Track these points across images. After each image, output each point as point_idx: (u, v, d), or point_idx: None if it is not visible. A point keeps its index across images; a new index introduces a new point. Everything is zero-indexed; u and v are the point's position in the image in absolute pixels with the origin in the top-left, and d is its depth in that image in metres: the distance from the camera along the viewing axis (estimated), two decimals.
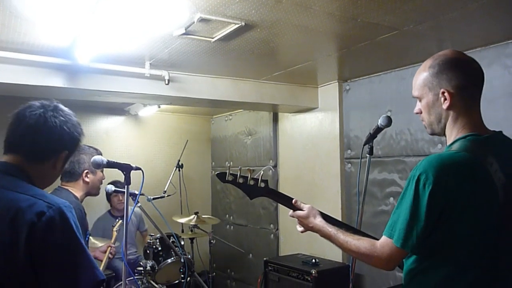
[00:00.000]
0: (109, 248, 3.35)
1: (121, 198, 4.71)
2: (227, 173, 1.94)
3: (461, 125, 1.58)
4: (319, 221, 1.89)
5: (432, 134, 1.69)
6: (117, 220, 3.87)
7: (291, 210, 2.00)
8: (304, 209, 1.96)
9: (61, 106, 1.57)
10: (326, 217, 1.94)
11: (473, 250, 1.47)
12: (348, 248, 1.70)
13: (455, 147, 1.54)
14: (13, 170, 1.44)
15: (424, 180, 1.44)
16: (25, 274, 1.27)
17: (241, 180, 1.95)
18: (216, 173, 2.01)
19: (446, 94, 1.55)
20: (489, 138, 1.56)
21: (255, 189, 1.97)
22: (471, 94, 1.57)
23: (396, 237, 1.49)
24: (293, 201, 2.00)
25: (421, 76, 1.63)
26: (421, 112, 1.67)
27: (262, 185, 1.97)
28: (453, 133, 1.59)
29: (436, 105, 1.59)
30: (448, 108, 1.57)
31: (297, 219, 1.98)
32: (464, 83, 1.55)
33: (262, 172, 2.02)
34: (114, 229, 3.62)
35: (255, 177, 1.97)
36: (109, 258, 3.29)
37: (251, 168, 2.01)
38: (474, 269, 1.47)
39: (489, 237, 1.47)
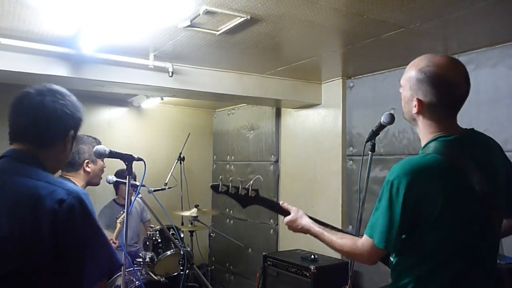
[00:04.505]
0: (111, 241, 3.34)
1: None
2: (220, 185, 2.04)
3: (431, 128, 1.66)
4: (305, 222, 1.98)
5: (408, 120, 1.79)
6: (122, 212, 3.82)
7: (285, 217, 2.06)
8: (291, 212, 2.04)
9: (56, 88, 1.56)
10: (312, 219, 2.02)
11: (451, 250, 1.57)
12: (333, 246, 1.81)
13: (428, 149, 1.63)
14: (26, 157, 1.45)
15: (397, 186, 1.54)
16: (46, 260, 1.29)
17: (233, 191, 2.05)
18: (210, 185, 2.10)
19: (417, 102, 1.64)
20: (460, 138, 1.63)
21: (246, 198, 2.07)
22: (439, 112, 1.64)
23: (377, 239, 1.59)
24: (281, 203, 2.09)
25: (411, 72, 1.67)
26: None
27: (253, 194, 2.07)
28: (425, 136, 1.69)
29: (410, 103, 1.69)
30: (417, 113, 1.67)
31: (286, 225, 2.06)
32: (436, 102, 1.61)
33: (252, 182, 2.10)
34: (118, 221, 3.57)
35: (246, 186, 2.07)
36: None
37: (241, 179, 2.11)
38: (452, 271, 1.56)
39: (469, 236, 1.58)
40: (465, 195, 1.57)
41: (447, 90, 1.61)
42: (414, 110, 1.66)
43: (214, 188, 2.06)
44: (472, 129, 1.72)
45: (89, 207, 1.38)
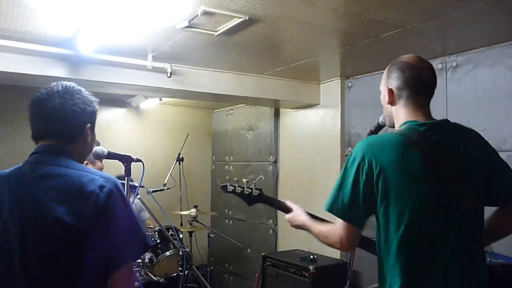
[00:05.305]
0: None
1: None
2: (228, 185, 2.26)
3: (403, 116, 1.73)
4: (303, 218, 2.03)
5: (389, 126, 1.88)
6: None
7: (287, 214, 2.16)
8: (293, 209, 2.12)
9: (66, 88, 1.64)
10: (312, 216, 2.07)
11: (413, 241, 1.57)
12: (317, 233, 1.85)
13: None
14: (58, 150, 1.59)
15: (353, 157, 1.64)
16: (87, 237, 1.45)
17: (239, 190, 2.25)
18: (220, 185, 2.33)
19: (387, 92, 1.76)
20: (429, 124, 1.67)
21: (251, 198, 2.26)
22: (408, 95, 1.72)
23: (326, 204, 1.69)
24: (284, 201, 2.19)
25: (384, 73, 1.81)
26: None
27: (257, 193, 2.26)
28: (398, 123, 1.76)
29: (385, 99, 1.79)
30: (389, 103, 1.77)
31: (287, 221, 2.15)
32: (402, 85, 1.72)
33: (255, 181, 2.28)
34: None
35: (250, 186, 2.26)
36: None
37: (245, 179, 2.30)
38: (421, 261, 1.57)
39: (429, 224, 1.58)
40: (421, 175, 1.57)
41: (411, 73, 1.70)
42: (387, 100, 1.76)
43: (223, 188, 2.26)
44: (446, 119, 1.76)
45: (123, 192, 1.57)
